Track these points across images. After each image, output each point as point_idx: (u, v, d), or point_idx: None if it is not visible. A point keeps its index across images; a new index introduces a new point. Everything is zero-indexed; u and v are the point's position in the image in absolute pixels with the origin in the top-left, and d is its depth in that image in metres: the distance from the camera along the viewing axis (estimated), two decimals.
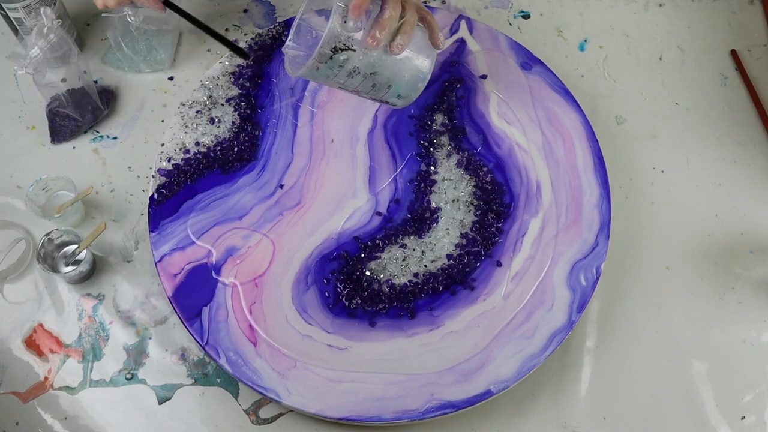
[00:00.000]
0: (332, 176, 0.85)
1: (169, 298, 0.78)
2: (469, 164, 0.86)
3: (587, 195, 0.83)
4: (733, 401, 0.78)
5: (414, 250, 0.82)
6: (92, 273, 0.83)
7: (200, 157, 0.85)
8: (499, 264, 0.80)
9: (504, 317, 0.77)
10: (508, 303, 0.78)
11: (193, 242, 0.80)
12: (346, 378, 0.74)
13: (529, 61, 0.91)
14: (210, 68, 0.91)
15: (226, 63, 0.91)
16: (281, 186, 0.84)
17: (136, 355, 0.79)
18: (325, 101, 0.90)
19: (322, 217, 0.83)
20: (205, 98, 0.89)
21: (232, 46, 0.80)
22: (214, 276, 0.79)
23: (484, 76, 0.91)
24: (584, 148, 0.86)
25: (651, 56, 0.99)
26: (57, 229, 0.80)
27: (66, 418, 0.77)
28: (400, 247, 0.82)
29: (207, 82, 0.90)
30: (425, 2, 0.99)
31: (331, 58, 0.69)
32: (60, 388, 0.78)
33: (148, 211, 0.82)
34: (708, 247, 0.86)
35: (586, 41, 0.99)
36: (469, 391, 0.73)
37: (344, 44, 0.68)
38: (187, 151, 0.85)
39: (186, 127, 0.87)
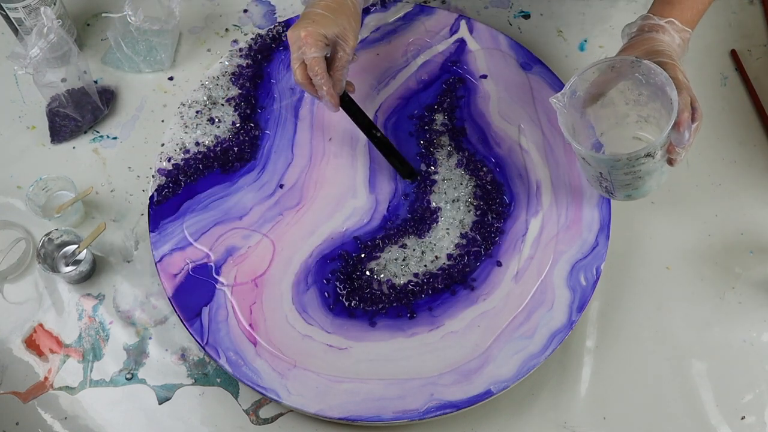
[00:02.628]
0: (332, 176, 0.85)
1: (169, 298, 0.78)
2: (469, 164, 0.86)
3: (587, 195, 0.83)
4: (733, 401, 0.78)
5: (414, 250, 0.82)
6: (92, 273, 0.83)
7: (200, 157, 0.85)
8: (499, 264, 0.80)
9: (504, 317, 0.77)
10: (508, 303, 0.78)
11: (192, 243, 0.80)
12: (346, 378, 0.74)
13: (529, 61, 0.91)
14: (210, 68, 0.91)
15: (226, 63, 0.90)
16: (281, 186, 0.84)
17: (136, 355, 0.79)
18: None
19: (322, 217, 0.83)
20: (205, 98, 0.89)
21: (404, 164, 0.83)
22: (214, 276, 0.79)
23: (484, 76, 0.91)
24: None
25: None
26: (57, 229, 0.80)
27: (66, 418, 0.77)
28: (400, 247, 0.82)
29: (207, 82, 0.89)
30: (425, 2, 0.99)
31: (637, 159, 0.67)
32: (60, 388, 0.78)
33: (148, 211, 0.82)
34: (708, 247, 0.86)
35: (586, 41, 0.99)
36: (469, 391, 0.73)
37: (650, 152, 0.66)
38: (187, 151, 0.85)
39: (186, 127, 0.87)
